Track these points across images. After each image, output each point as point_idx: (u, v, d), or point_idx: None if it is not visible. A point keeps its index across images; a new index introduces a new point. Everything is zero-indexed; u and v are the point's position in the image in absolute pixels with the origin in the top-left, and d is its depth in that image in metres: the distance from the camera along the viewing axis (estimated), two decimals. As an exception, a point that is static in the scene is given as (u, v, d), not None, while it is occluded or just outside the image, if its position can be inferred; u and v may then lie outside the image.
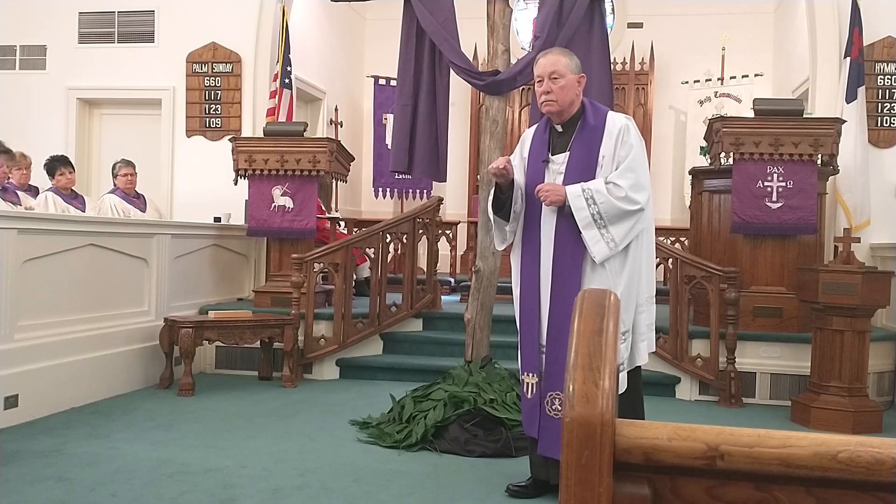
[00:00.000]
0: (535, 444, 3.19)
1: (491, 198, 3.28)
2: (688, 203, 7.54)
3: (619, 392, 3.10)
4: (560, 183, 3.09)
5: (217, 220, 6.59)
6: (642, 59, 9.79)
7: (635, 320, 3.12)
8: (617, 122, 3.12)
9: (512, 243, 3.36)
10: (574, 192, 3.02)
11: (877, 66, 6.09)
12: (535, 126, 3.39)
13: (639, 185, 3.03)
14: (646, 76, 9.77)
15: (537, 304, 3.17)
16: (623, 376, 3.11)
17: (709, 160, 5.76)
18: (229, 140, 6.35)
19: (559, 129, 3.21)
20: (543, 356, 3.15)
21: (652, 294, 3.22)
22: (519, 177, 3.25)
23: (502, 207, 3.24)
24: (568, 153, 3.14)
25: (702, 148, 6.72)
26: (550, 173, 3.16)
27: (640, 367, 3.20)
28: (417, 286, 6.12)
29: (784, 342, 5.26)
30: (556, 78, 3.12)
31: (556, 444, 3.07)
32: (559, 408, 3.08)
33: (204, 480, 3.37)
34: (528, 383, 3.21)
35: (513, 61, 4.35)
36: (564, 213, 3.07)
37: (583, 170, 3.08)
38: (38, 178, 6.13)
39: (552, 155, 3.19)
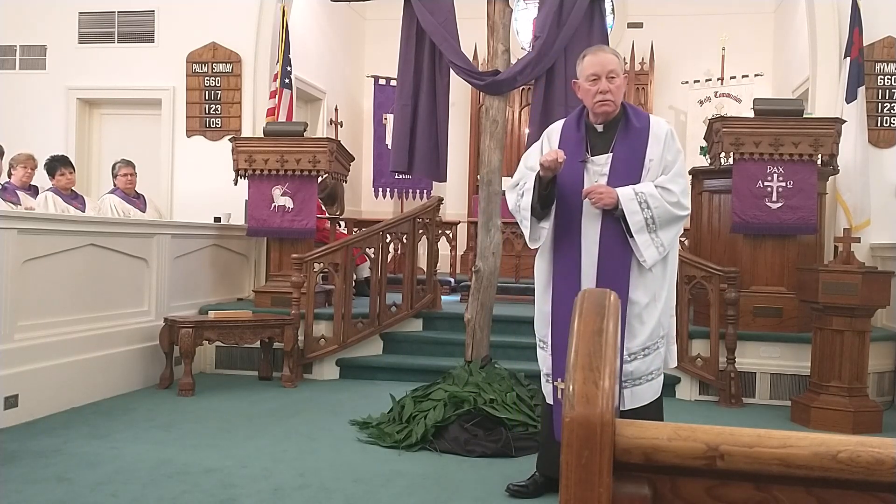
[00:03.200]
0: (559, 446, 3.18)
1: (534, 193, 3.04)
2: (688, 203, 7.53)
3: (658, 396, 3.09)
4: (603, 184, 3.01)
5: (217, 220, 6.59)
6: (642, 59, 9.79)
7: (668, 323, 3.12)
8: (663, 126, 3.08)
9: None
10: (627, 196, 2.94)
11: (877, 66, 6.09)
12: (562, 123, 3.25)
13: (688, 191, 3.07)
14: (646, 76, 9.77)
15: None
16: (661, 380, 3.09)
17: (709, 160, 5.76)
18: (229, 140, 6.35)
19: (599, 128, 3.09)
20: None
21: None
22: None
23: (546, 204, 3.06)
24: (611, 154, 3.04)
25: (702, 148, 6.71)
26: (591, 174, 3.05)
27: None
28: (417, 286, 6.12)
29: (784, 342, 5.25)
30: (613, 77, 3.02)
31: None
32: None
33: (204, 480, 3.37)
34: (563, 389, 3.18)
35: (513, 61, 4.35)
36: (612, 217, 2.99)
37: (628, 172, 3.00)
38: (39, 177, 6.13)
39: (591, 155, 3.08)
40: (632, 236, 2.96)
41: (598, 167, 3.05)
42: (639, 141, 3.03)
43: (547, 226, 3.12)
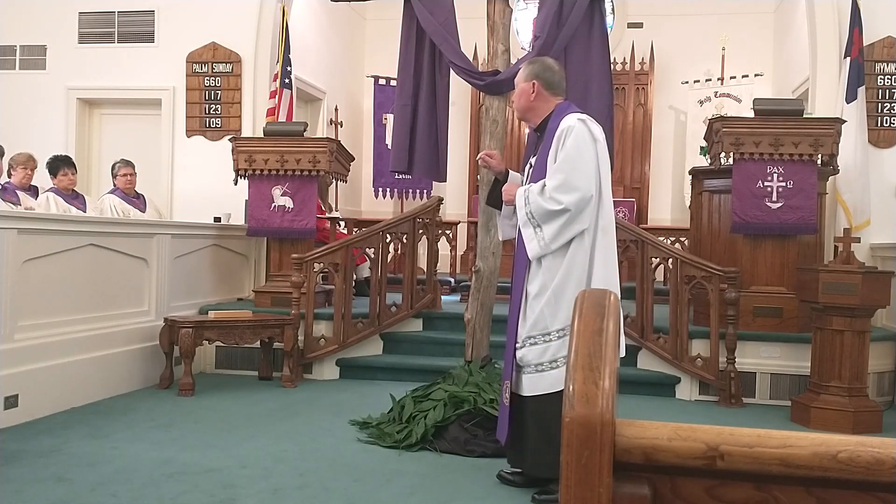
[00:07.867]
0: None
1: (490, 189, 3.62)
2: (688, 203, 7.54)
3: (558, 390, 2.91)
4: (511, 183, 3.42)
5: (217, 220, 6.58)
6: (642, 59, 9.79)
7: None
8: (563, 124, 3.17)
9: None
10: (518, 193, 3.24)
11: (877, 66, 6.09)
12: None
13: (566, 186, 3.07)
14: (646, 76, 9.78)
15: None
16: (557, 373, 3.05)
17: (709, 160, 5.76)
18: (229, 140, 6.35)
19: (538, 134, 3.40)
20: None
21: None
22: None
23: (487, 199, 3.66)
24: (535, 157, 3.34)
25: (702, 148, 6.72)
26: (528, 176, 3.39)
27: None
28: (417, 286, 6.11)
29: (784, 342, 5.25)
30: (514, 87, 3.45)
31: (502, 428, 3.32)
32: (507, 397, 3.25)
33: (204, 480, 3.37)
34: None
35: (513, 61, 4.35)
36: None
37: (539, 172, 3.24)
38: (38, 178, 6.13)
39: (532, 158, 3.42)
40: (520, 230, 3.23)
41: (532, 169, 3.36)
42: (548, 142, 3.22)
43: (500, 220, 3.57)
